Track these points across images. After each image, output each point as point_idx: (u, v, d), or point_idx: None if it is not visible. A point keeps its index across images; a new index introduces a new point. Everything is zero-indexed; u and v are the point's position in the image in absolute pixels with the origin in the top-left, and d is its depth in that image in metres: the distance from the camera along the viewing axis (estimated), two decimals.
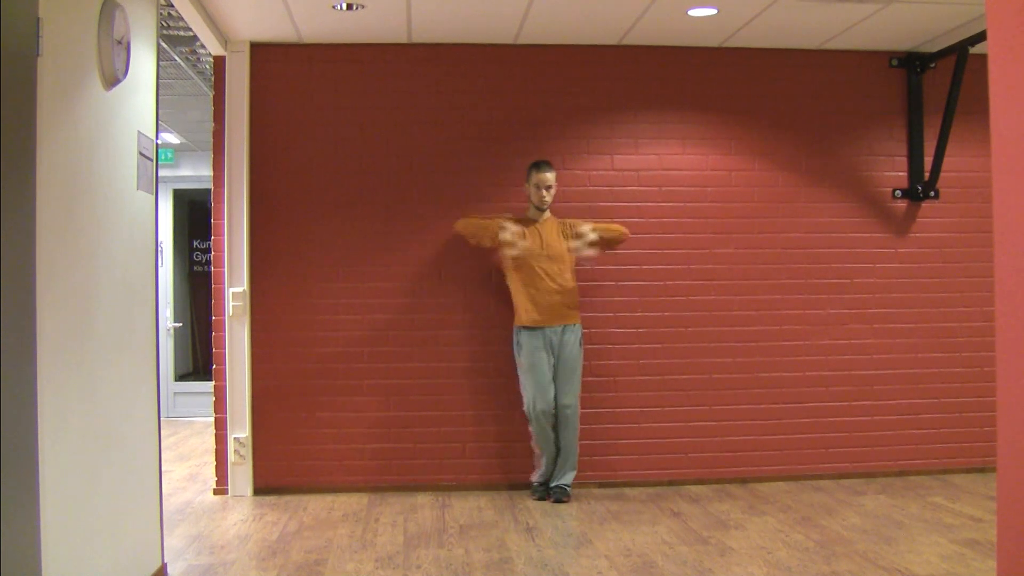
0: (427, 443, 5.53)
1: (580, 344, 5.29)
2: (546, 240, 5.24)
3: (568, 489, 5.24)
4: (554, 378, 5.23)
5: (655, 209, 5.67)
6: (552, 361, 5.23)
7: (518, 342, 5.28)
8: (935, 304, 5.81)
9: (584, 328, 5.53)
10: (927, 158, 5.76)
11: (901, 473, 5.72)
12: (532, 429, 5.28)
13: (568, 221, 5.36)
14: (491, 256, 5.40)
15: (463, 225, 5.34)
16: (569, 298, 5.25)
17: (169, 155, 8.85)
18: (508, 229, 5.23)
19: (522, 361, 5.25)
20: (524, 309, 5.24)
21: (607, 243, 5.38)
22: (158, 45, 3.97)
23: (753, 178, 5.75)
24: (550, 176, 5.28)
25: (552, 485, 5.26)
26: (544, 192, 5.27)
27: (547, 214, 5.35)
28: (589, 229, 5.28)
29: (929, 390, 5.78)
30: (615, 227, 5.39)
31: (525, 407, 5.27)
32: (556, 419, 5.25)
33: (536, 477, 5.33)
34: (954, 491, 5.32)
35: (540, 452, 5.28)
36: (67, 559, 2.85)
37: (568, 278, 5.26)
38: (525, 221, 5.34)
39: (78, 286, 3.01)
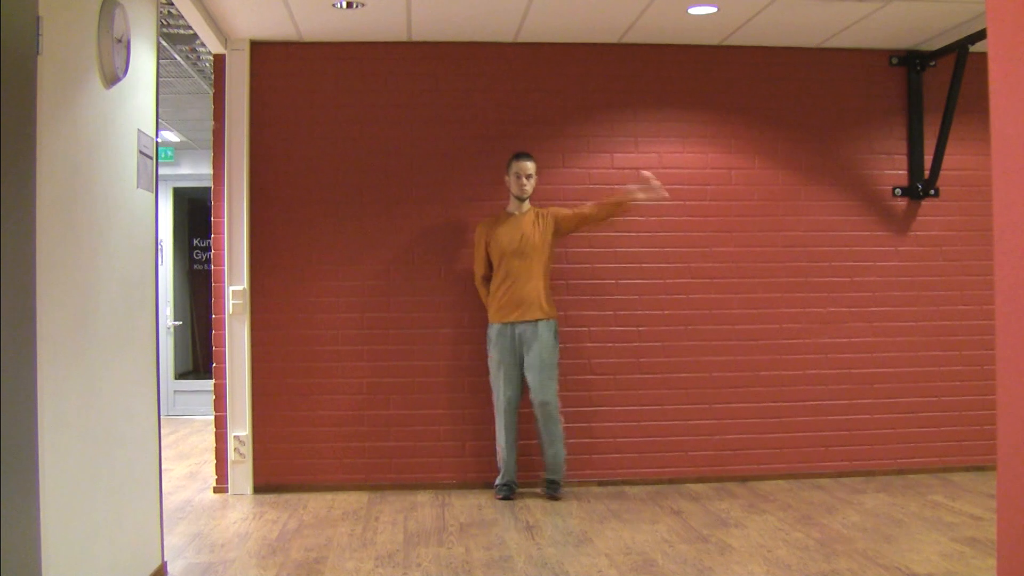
0: (427, 441, 5.53)
1: (555, 339, 5.27)
2: (523, 234, 5.24)
3: (560, 485, 5.26)
4: (530, 374, 5.22)
5: (655, 208, 5.67)
6: (521, 357, 5.22)
7: (489, 337, 5.29)
8: (935, 302, 5.81)
9: (584, 327, 5.54)
10: (927, 156, 5.76)
11: (901, 471, 5.73)
12: (498, 425, 5.27)
13: (548, 211, 5.33)
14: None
15: (480, 288, 5.43)
16: (537, 294, 5.23)
17: (169, 153, 8.84)
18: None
19: (492, 356, 5.27)
20: (495, 305, 5.25)
21: (610, 216, 5.33)
22: (158, 43, 3.97)
23: (753, 176, 5.75)
24: (529, 165, 5.27)
25: (547, 479, 5.28)
26: (524, 181, 5.26)
27: (527, 206, 5.34)
28: (639, 192, 5.23)
29: (929, 388, 5.78)
30: (606, 203, 5.28)
31: (495, 401, 5.28)
32: (538, 416, 5.24)
33: (498, 479, 5.32)
34: (954, 489, 5.32)
35: (500, 454, 5.28)
36: (67, 558, 2.85)
37: (540, 273, 5.24)
38: (504, 216, 5.34)
39: (78, 285, 3.02)
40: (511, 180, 5.31)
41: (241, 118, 5.42)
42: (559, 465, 5.27)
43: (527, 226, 5.25)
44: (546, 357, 5.21)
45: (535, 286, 5.23)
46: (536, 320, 5.21)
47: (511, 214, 5.33)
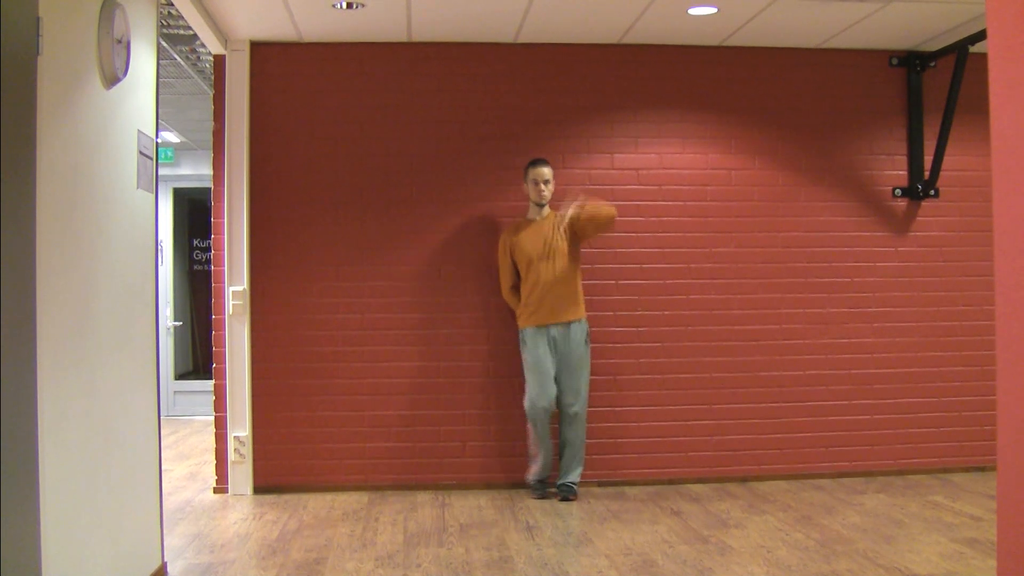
0: (427, 442, 5.53)
1: (586, 343, 5.28)
2: (546, 239, 5.24)
3: (575, 487, 5.26)
4: (559, 378, 5.24)
5: (655, 208, 5.67)
6: (555, 359, 5.23)
7: (523, 339, 5.29)
8: (935, 303, 5.81)
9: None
10: (927, 157, 5.76)
11: (901, 472, 5.73)
12: (529, 426, 5.28)
13: (562, 212, 5.32)
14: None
15: (509, 300, 5.41)
16: (569, 295, 5.24)
17: (169, 154, 8.85)
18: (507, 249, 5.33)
19: (526, 358, 5.27)
20: (528, 310, 5.26)
21: (595, 227, 5.21)
22: (158, 44, 3.97)
23: (753, 177, 5.75)
24: (546, 171, 5.28)
25: (559, 483, 5.27)
26: (542, 187, 5.27)
27: (547, 210, 5.34)
28: (572, 209, 5.16)
29: (929, 389, 5.78)
30: (602, 210, 5.19)
31: (525, 403, 5.27)
32: (561, 418, 5.26)
33: (532, 475, 5.33)
34: (954, 490, 5.32)
35: (536, 451, 5.28)
36: (67, 558, 2.85)
37: (568, 274, 5.25)
38: (525, 223, 5.35)
39: (78, 285, 3.02)
40: (529, 187, 5.31)
41: (241, 119, 5.42)
42: (579, 469, 5.29)
43: (549, 229, 5.26)
44: (577, 368, 5.23)
45: (566, 288, 5.23)
46: (569, 322, 5.22)
47: (532, 220, 5.34)
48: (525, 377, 5.30)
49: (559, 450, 5.34)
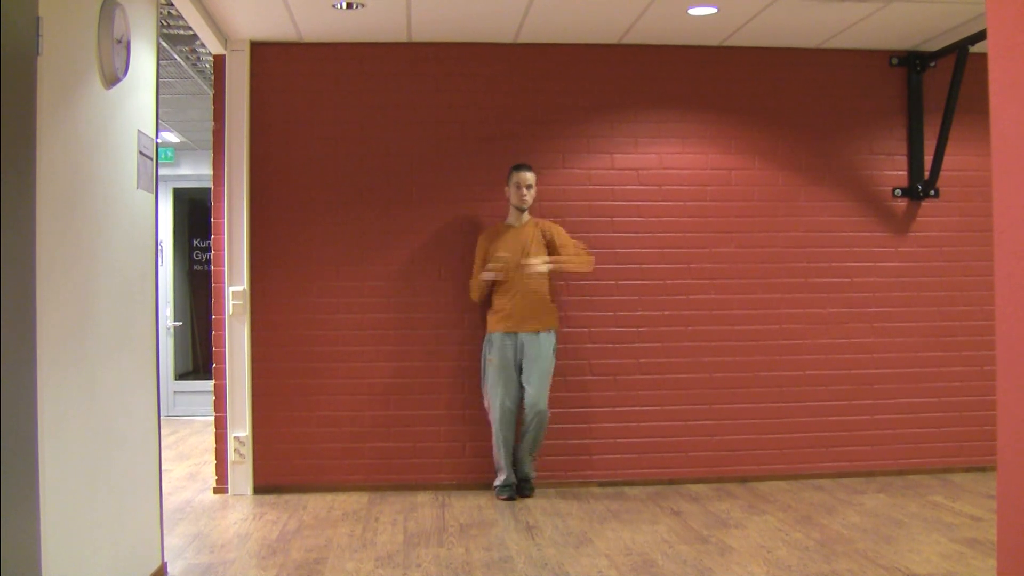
0: (427, 442, 5.53)
1: (553, 351, 5.30)
2: (524, 248, 5.25)
3: (532, 482, 5.35)
4: (527, 376, 5.23)
5: (655, 208, 5.67)
6: (520, 365, 5.25)
7: (489, 342, 5.30)
8: (935, 303, 5.81)
9: (584, 328, 5.54)
10: (927, 157, 5.76)
11: (901, 472, 5.73)
12: (495, 432, 5.28)
13: (544, 225, 5.34)
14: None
15: (474, 291, 5.40)
16: (542, 304, 5.26)
17: (169, 154, 8.85)
18: (489, 267, 5.27)
19: (492, 359, 5.27)
20: (498, 315, 5.27)
21: (569, 273, 5.38)
22: (158, 44, 3.97)
23: (753, 177, 5.75)
24: (529, 176, 5.29)
25: (521, 479, 5.31)
26: (524, 191, 5.28)
27: (526, 216, 5.35)
28: (543, 267, 5.23)
29: (929, 389, 5.78)
30: (575, 261, 5.29)
31: (491, 408, 5.29)
32: (525, 417, 5.24)
33: (500, 482, 5.31)
34: (954, 490, 5.32)
35: (501, 457, 5.28)
36: (67, 558, 2.85)
37: (542, 284, 5.27)
38: (504, 228, 5.35)
39: (78, 285, 3.02)
40: (511, 191, 5.32)
41: (241, 119, 5.42)
42: (534, 465, 5.35)
43: (527, 238, 5.27)
44: (545, 368, 5.24)
45: (539, 298, 5.25)
46: (538, 332, 5.23)
47: (511, 226, 5.34)
48: (488, 381, 5.30)
49: (518, 449, 5.33)
